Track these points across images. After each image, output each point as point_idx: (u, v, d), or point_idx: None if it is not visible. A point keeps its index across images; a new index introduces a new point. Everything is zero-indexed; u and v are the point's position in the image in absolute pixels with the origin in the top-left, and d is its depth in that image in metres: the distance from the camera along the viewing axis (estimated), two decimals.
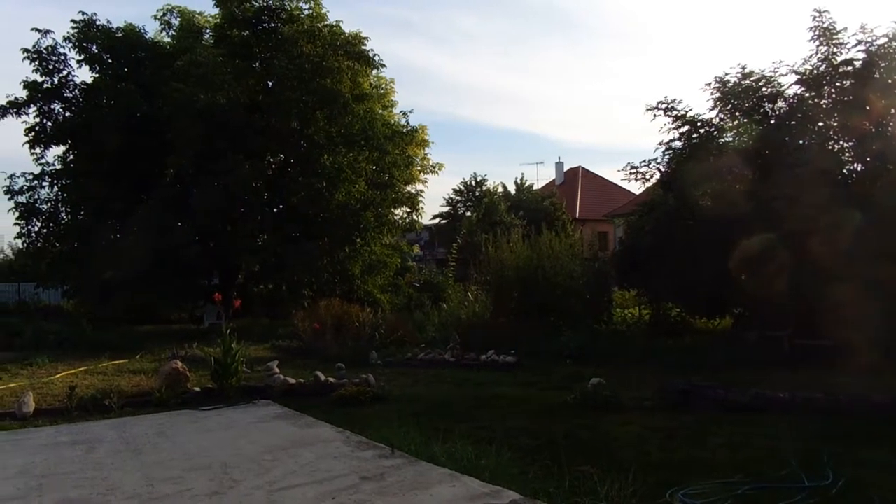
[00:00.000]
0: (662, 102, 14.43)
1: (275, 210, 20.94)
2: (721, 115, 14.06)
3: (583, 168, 47.29)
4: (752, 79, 13.68)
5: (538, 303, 14.79)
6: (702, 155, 13.58)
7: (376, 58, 20.79)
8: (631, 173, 15.10)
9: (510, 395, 9.28)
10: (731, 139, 13.89)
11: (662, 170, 14.82)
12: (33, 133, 20.00)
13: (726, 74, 13.92)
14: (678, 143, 14.45)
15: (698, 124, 14.19)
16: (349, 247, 20.07)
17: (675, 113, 14.33)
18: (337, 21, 20.72)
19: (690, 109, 14.34)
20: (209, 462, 5.96)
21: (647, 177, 15.04)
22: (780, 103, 13.58)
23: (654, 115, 14.55)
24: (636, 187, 16.74)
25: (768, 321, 12.46)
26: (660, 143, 14.70)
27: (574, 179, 45.86)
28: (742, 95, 13.62)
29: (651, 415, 7.74)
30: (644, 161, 14.91)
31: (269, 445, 6.54)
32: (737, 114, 13.80)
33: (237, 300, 20.18)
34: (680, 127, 14.34)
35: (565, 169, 48.07)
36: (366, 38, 20.51)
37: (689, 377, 8.88)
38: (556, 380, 10.35)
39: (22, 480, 5.49)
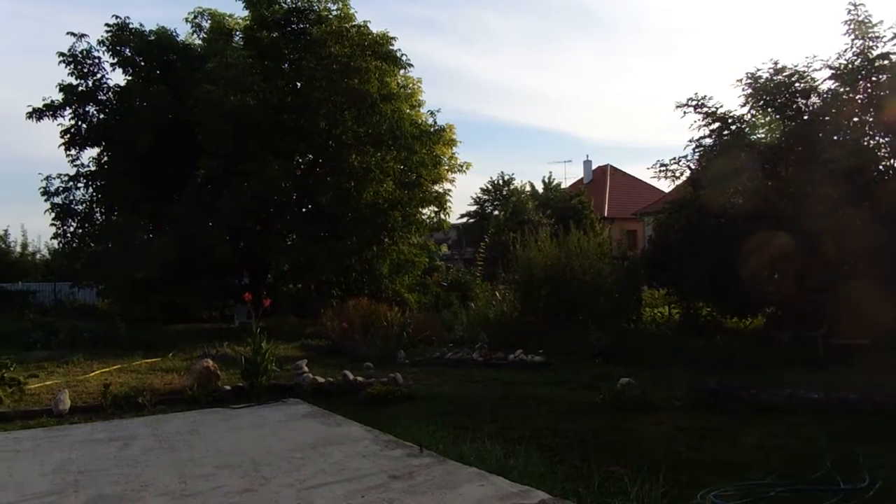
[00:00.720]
0: (692, 99, 14.29)
1: (303, 210, 21.12)
2: (752, 112, 13.86)
3: (611, 166, 46.93)
4: (784, 74, 13.46)
5: (566, 302, 14.70)
6: (733, 152, 13.40)
7: (403, 57, 20.89)
8: (660, 171, 14.99)
9: (539, 395, 9.24)
10: (762, 135, 13.69)
11: (692, 167, 14.68)
12: (68, 135, 20.44)
13: (758, 70, 13.74)
14: (708, 141, 14.30)
15: (729, 121, 14.01)
16: (377, 246, 20.16)
17: (705, 110, 14.18)
18: (365, 21, 20.86)
19: (721, 106, 14.18)
20: (240, 460, 6.03)
21: (677, 174, 14.93)
22: (814, 98, 13.34)
23: (684, 113, 14.41)
24: (665, 185, 16.65)
25: (802, 321, 12.26)
26: (689, 141, 14.59)
27: (602, 178, 45.54)
28: (774, 91, 13.42)
29: (682, 415, 7.65)
30: (673, 159, 14.81)
31: (298, 443, 6.60)
32: (769, 110, 13.58)
33: (267, 299, 20.34)
34: (710, 124, 14.18)
35: (593, 167, 47.75)
36: (393, 38, 20.62)
37: (721, 377, 8.77)
38: (585, 379, 10.27)
39: (59, 476, 5.60)
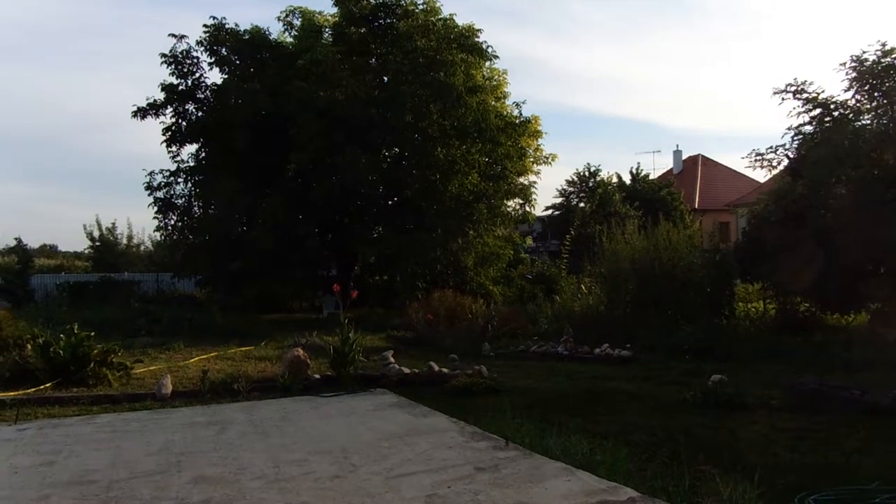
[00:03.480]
0: (791, 85, 13.70)
1: (390, 202, 21.43)
2: (857, 97, 13.17)
3: (702, 156, 45.45)
4: (893, 56, 12.69)
5: (654, 296, 14.36)
6: (835, 139, 12.76)
7: (489, 49, 20.87)
8: (756, 160, 14.50)
9: (626, 390, 9.09)
10: (868, 122, 12.98)
11: (791, 156, 14.11)
12: (169, 132, 21.43)
13: (864, 53, 13.03)
14: (808, 128, 13.72)
15: (831, 107, 13.36)
16: (462, 238, 20.23)
17: (805, 95, 13.58)
18: (451, 14, 20.98)
19: (822, 91, 13.53)
20: (330, 447, 6.20)
21: (774, 164, 14.42)
22: None
23: (782, 99, 13.87)
24: (761, 175, 16.03)
25: None
26: (788, 129, 14.07)
27: (693, 168, 44.16)
28: (882, 74, 12.68)
29: (778, 415, 7.35)
30: (770, 147, 14.32)
31: (385, 433, 6.73)
32: (875, 94, 12.87)
33: (354, 291, 20.79)
34: (811, 110, 13.58)
35: (683, 157, 46.39)
36: (479, 30, 20.64)
37: (820, 376, 8.38)
38: (674, 375, 10.03)
39: (164, 457, 5.91)
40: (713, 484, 4.84)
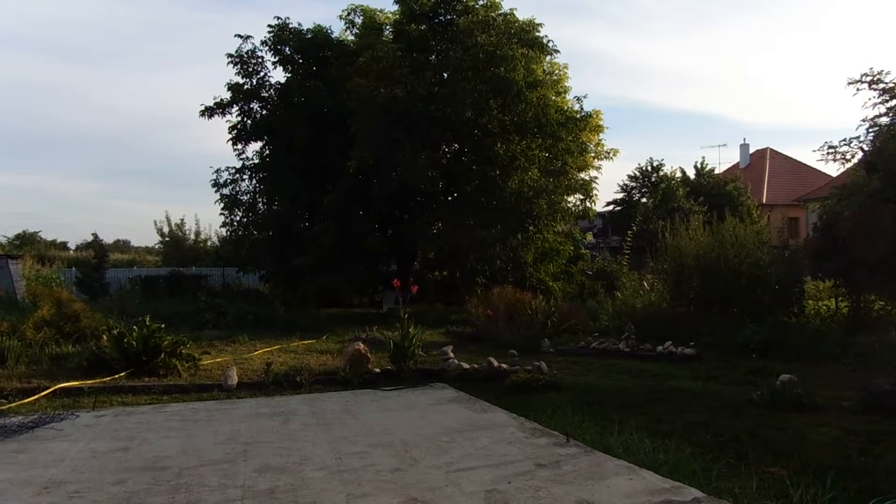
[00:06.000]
0: (867, 75, 13.16)
1: (449, 198, 21.48)
2: None
3: (771, 149, 44.08)
4: None
5: (719, 293, 14.00)
6: None
7: (550, 44, 20.70)
8: (828, 153, 14.00)
9: (689, 389, 8.90)
10: None
11: (865, 149, 13.56)
12: (235, 131, 22.03)
13: None
14: (885, 119, 13.16)
15: None
16: (522, 234, 20.14)
17: (881, 86, 13.04)
18: (511, 9, 20.86)
19: None
20: (391, 440, 6.28)
21: (847, 157, 13.89)
22: None
23: (857, 90, 13.33)
24: (834, 169, 15.52)
25: None
26: (863, 120, 13.52)
27: (761, 162, 42.89)
28: None
29: (850, 417, 7.08)
30: (844, 140, 13.79)
31: (445, 427, 6.77)
32: None
33: (414, 286, 20.93)
34: (888, 101, 13.01)
35: (751, 151, 45.08)
36: (540, 25, 20.48)
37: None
38: (740, 374, 9.78)
39: (230, 446, 6.09)
40: (782, 486, 4.71)
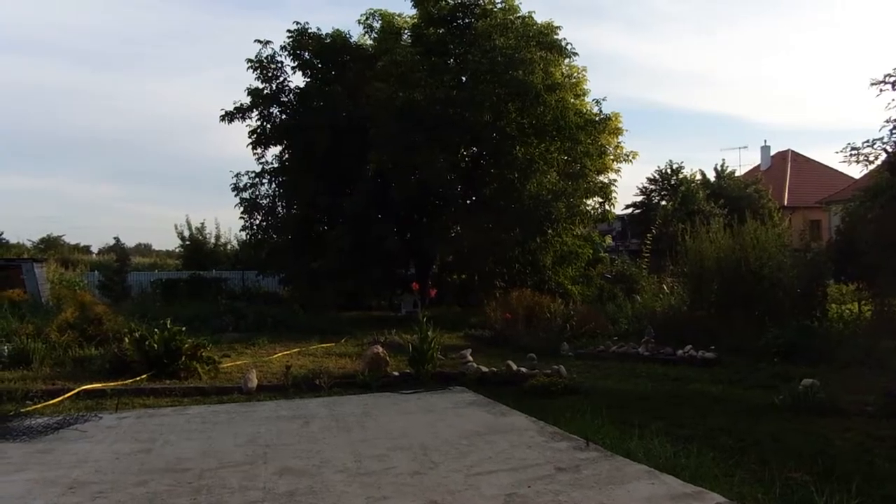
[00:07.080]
0: (890, 75, 13.00)
1: (468, 202, 21.46)
2: None
3: (792, 151, 43.66)
4: None
5: (740, 296, 13.86)
6: None
7: (569, 46, 20.61)
8: (851, 155, 13.86)
9: (710, 393, 8.84)
10: None
11: (889, 150, 13.38)
12: (255, 135, 22.16)
13: None
14: None
15: None
16: (540, 237, 20.07)
17: None
18: (529, 12, 20.84)
19: None
20: (410, 443, 6.29)
21: (871, 159, 13.72)
22: None
23: (880, 90, 13.15)
24: (856, 171, 15.34)
25: None
26: (886, 121, 13.31)
27: (782, 164, 42.50)
28: None
29: (875, 422, 6.98)
30: (867, 141, 13.61)
31: (465, 431, 6.77)
32: None
33: (433, 289, 20.95)
34: None
35: (772, 153, 44.68)
36: (558, 27, 20.42)
37: None
38: (761, 379, 9.69)
39: (251, 448, 6.14)
40: (805, 492, 4.66)
